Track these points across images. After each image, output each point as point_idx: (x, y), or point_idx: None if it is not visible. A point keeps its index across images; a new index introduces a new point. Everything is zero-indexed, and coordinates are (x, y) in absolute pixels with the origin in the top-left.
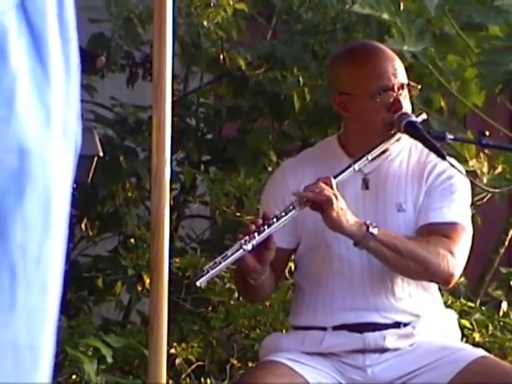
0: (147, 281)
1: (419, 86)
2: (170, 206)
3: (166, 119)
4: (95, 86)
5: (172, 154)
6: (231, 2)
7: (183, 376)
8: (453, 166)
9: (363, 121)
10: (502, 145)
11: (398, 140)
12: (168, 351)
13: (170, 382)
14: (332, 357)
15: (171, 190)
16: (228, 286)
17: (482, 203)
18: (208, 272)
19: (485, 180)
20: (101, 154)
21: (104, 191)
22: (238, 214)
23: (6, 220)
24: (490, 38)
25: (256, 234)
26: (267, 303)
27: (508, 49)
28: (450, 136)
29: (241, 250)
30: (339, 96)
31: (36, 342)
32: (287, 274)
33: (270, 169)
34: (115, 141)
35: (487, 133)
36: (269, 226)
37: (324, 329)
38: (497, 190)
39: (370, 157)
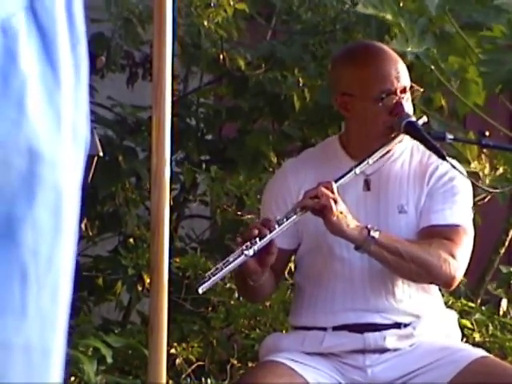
0: (147, 281)
1: (421, 89)
2: (170, 206)
3: (166, 119)
4: (95, 86)
5: (172, 154)
6: (231, 2)
7: (183, 376)
8: (454, 166)
9: (364, 122)
10: (502, 145)
11: (400, 141)
12: (168, 351)
13: (170, 382)
14: (332, 357)
15: (171, 189)
16: (228, 285)
17: (482, 203)
18: (210, 278)
19: (487, 181)
20: (101, 154)
21: (104, 191)
22: (239, 213)
23: (17, 224)
24: (492, 37)
25: (257, 240)
26: (267, 303)
27: (511, 48)
28: (450, 136)
29: (242, 256)
30: (341, 96)
31: (47, 344)
32: (287, 275)
33: (270, 169)
34: (115, 141)
35: (487, 133)
36: (270, 232)
37: (324, 329)
38: (498, 191)
39: (370, 161)
